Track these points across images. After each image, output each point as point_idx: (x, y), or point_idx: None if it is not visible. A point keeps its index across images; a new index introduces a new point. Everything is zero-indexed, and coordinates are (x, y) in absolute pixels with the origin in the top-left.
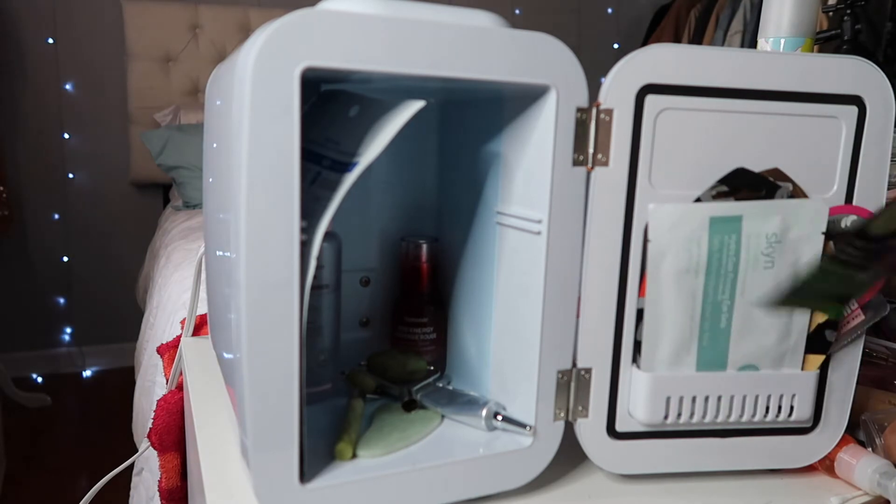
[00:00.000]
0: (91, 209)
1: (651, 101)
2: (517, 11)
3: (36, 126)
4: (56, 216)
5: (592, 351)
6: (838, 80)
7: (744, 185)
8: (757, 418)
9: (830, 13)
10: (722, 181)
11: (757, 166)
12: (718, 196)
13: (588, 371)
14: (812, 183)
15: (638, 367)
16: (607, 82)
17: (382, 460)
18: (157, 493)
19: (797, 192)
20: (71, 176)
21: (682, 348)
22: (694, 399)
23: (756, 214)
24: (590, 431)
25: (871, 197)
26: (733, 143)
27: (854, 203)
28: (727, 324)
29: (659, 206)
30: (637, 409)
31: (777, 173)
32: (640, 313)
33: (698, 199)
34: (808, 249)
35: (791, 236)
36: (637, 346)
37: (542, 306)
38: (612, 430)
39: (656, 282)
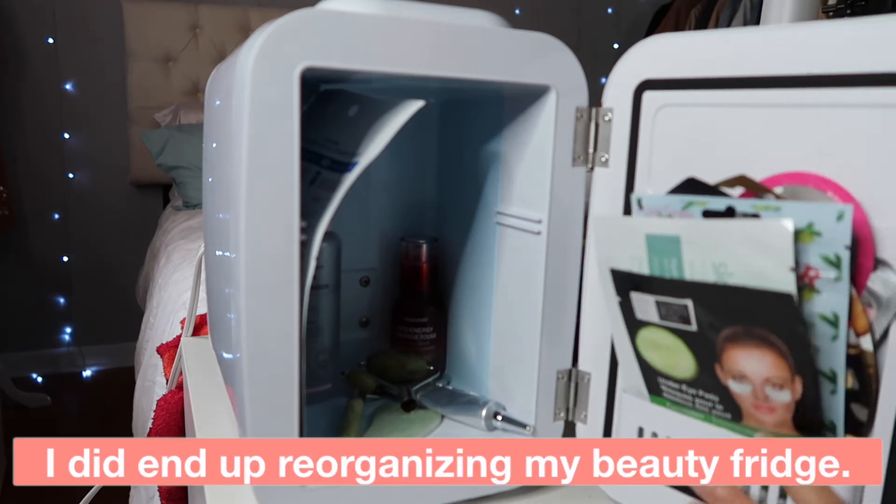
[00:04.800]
0: (91, 209)
1: (649, 98)
2: (517, 11)
3: (36, 126)
4: (56, 216)
5: (592, 357)
6: None
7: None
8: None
9: (830, 13)
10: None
11: (781, 168)
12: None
13: (588, 376)
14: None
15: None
16: (608, 81)
17: None
18: (157, 493)
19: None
20: (71, 176)
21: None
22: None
23: (697, 238)
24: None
25: None
26: (748, 142)
27: None
28: None
29: (599, 218)
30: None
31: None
32: None
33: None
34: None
35: (748, 270)
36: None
37: (542, 306)
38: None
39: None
